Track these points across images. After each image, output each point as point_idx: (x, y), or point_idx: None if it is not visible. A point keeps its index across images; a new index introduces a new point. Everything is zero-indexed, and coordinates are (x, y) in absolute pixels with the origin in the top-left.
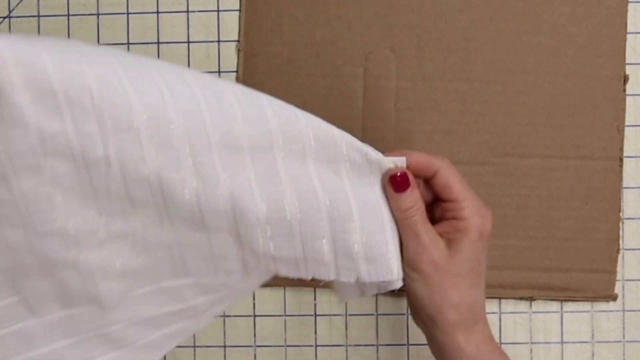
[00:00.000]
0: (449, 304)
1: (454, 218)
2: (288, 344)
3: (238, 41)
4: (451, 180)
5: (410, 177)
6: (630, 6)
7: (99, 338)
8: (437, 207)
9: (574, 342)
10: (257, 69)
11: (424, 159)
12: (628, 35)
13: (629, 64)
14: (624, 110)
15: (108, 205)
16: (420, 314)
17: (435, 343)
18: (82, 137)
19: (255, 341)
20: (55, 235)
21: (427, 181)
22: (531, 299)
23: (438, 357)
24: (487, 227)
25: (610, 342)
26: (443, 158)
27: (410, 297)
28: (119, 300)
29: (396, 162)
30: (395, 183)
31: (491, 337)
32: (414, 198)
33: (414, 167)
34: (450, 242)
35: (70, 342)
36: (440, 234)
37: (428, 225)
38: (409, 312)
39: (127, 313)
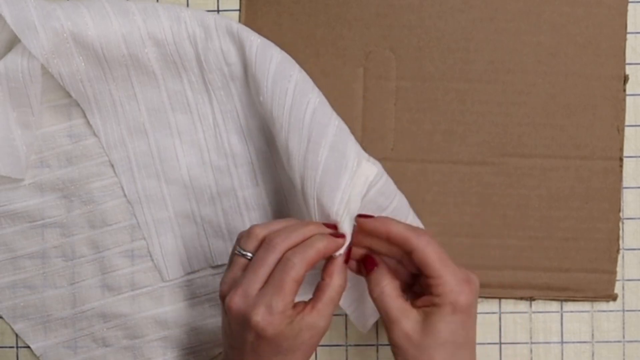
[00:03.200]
0: None
1: (430, 293)
2: None
3: None
4: (429, 257)
5: (375, 258)
6: (630, 6)
7: (211, 302)
8: (420, 280)
9: (574, 342)
10: None
11: (401, 235)
12: (628, 35)
13: (629, 64)
14: (624, 110)
15: (217, 160)
16: None
17: None
18: (195, 93)
19: None
20: (179, 184)
21: (408, 255)
22: (531, 299)
23: None
24: (462, 301)
25: (610, 342)
26: (423, 234)
27: None
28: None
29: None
30: (364, 264)
31: None
32: (377, 276)
33: (392, 239)
34: (426, 315)
35: (188, 303)
36: (419, 307)
37: (399, 300)
38: None
39: None
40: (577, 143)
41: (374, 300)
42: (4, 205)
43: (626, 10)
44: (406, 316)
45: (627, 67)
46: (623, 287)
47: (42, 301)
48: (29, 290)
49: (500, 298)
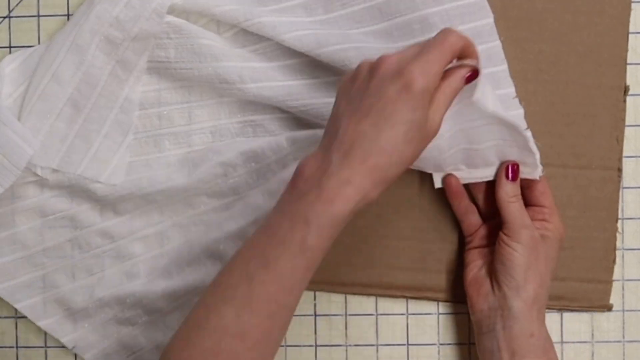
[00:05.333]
0: (537, 279)
1: (543, 220)
2: (288, 344)
3: None
4: (548, 191)
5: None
6: (632, 5)
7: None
8: (528, 210)
9: (574, 342)
10: None
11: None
12: (629, 36)
13: (629, 64)
14: (623, 120)
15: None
16: (504, 285)
17: (508, 315)
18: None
19: None
20: None
21: (528, 187)
22: None
23: (504, 328)
24: (564, 236)
25: (610, 342)
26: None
27: (505, 267)
28: None
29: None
30: (511, 172)
31: None
32: (517, 189)
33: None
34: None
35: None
36: None
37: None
38: (468, 297)
39: None
40: (575, 152)
41: (509, 203)
42: (15, 203)
43: (628, 21)
44: (533, 224)
45: (627, 67)
46: (623, 287)
47: (62, 295)
48: (49, 286)
49: None
